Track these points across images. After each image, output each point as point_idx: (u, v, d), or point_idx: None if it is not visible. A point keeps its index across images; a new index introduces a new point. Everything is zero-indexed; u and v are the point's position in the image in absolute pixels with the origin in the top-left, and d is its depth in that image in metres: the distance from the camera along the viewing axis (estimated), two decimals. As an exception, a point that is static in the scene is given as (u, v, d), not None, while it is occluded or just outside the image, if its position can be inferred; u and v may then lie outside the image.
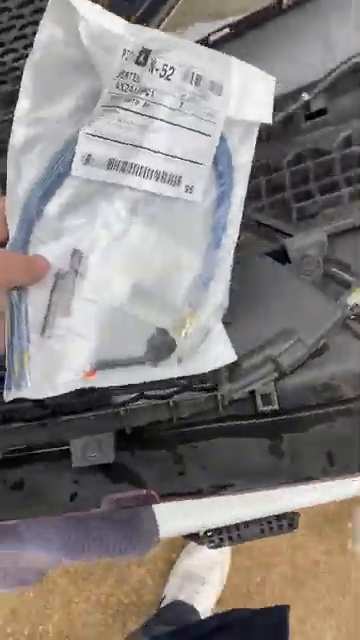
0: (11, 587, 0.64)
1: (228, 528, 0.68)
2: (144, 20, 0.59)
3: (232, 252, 0.49)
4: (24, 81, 0.44)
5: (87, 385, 0.46)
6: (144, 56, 0.43)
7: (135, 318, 0.47)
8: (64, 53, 0.43)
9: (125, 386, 0.50)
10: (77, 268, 0.46)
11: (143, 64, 0.43)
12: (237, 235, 0.49)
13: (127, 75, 0.43)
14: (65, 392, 0.45)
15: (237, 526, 0.67)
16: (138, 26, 0.43)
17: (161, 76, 0.44)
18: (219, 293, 0.49)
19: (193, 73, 0.44)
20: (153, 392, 0.53)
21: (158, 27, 0.60)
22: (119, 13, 0.43)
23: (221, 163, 0.48)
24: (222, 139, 0.47)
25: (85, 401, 0.54)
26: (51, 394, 0.45)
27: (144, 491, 0.53)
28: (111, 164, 0.45)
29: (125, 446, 0.54)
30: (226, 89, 0.46)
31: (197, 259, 0.48)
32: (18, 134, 0.44)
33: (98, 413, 0.52)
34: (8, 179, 0.45)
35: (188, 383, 0.52)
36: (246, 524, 0.67)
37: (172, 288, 0.48)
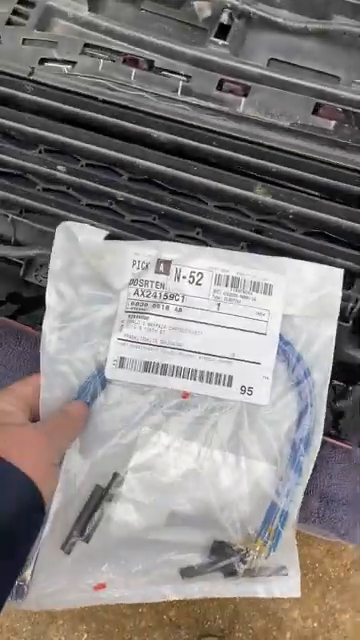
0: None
1: None
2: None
3: (309, 475, 0.47)
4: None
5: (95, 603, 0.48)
6: (164, 266, 0.47)
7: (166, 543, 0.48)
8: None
9: None
10: (112, 491, 0.48)
11: (165, 273, 0.47)
12: (315, 456, 0.48)
13: (147, 283, 0.48)
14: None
15: None
16: (150, 242, 0.49)
17: (190, 282, 0.47)
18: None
19: (228, 277, 0.47)
20: None
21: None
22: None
23: (296, 372, 0.48)
24: (287, 343, 0.48)
25: None
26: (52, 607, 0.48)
27: None
28: (148, 367, 0.48)
29: None
30: (278, 289, 0.48)
31: (270, 476, 0.48)
32: (52, 340, 0.49)
33: None
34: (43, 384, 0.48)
35: None
36: None
37: (225, 512, 0.48)
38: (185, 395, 0.48)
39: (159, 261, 0.48)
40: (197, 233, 0.53)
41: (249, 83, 0.58)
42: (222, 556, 0.49)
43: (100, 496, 0.48)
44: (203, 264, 0.48)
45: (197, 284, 0.48)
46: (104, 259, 0.48)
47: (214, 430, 0.48)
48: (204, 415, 0.48)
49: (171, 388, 0.48)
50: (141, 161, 0.54)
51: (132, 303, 0.48)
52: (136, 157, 0.54)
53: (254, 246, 0.53)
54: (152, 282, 0.48)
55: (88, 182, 0.54)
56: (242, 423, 0.48)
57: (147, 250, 0.48)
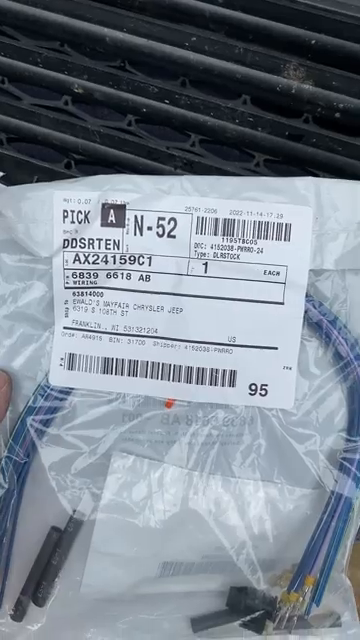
0: None
1: None
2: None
3: None
4: None
5: None
6: (115, 214, 0.31)
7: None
8: None
9: None
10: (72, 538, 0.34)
11: (118, 224, 0.31)
12: None
13: (91, 243, 0.31)
14: None
15: None
16: (87, 179, 0.31)
17: (159, 235, 0.31)
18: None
19: (217, 220, 0.30)
20: None
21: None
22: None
23: (339, 350, 0.32)
24: (323, 312, 0.32)
25: None
26: None
27: None
28: (110, 365, 0.32)
29: None
30: (301, 229, 0.30)
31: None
32: None
33: None
34: None
35: None
36: None
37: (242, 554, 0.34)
38: (169, 404, 0.33)
39: (106, 207, 0.30)
40: (192, 144, 0.37)
41: None
42: (243, 608, 0.36)
43: (56, 543, 0.35)
44: (176, 204, 0.30)
45: (169, 236, 0.31)
46: (16, 214, 0.31)
47: (214, 451, 0.33)
48: (198, 431, 0.33)
49: (147, 395, 0.33)
50: (108, 30, 0.36)
51: (74, 275, 0.32)
52: (99, 24, 0.36)
53: (277, 163, 0.37)
54: (99, 240, 0.31)
55: (31, 66, 0.38)
56: (256, 439, 0.33)
57: (83, 192, 0.30)
